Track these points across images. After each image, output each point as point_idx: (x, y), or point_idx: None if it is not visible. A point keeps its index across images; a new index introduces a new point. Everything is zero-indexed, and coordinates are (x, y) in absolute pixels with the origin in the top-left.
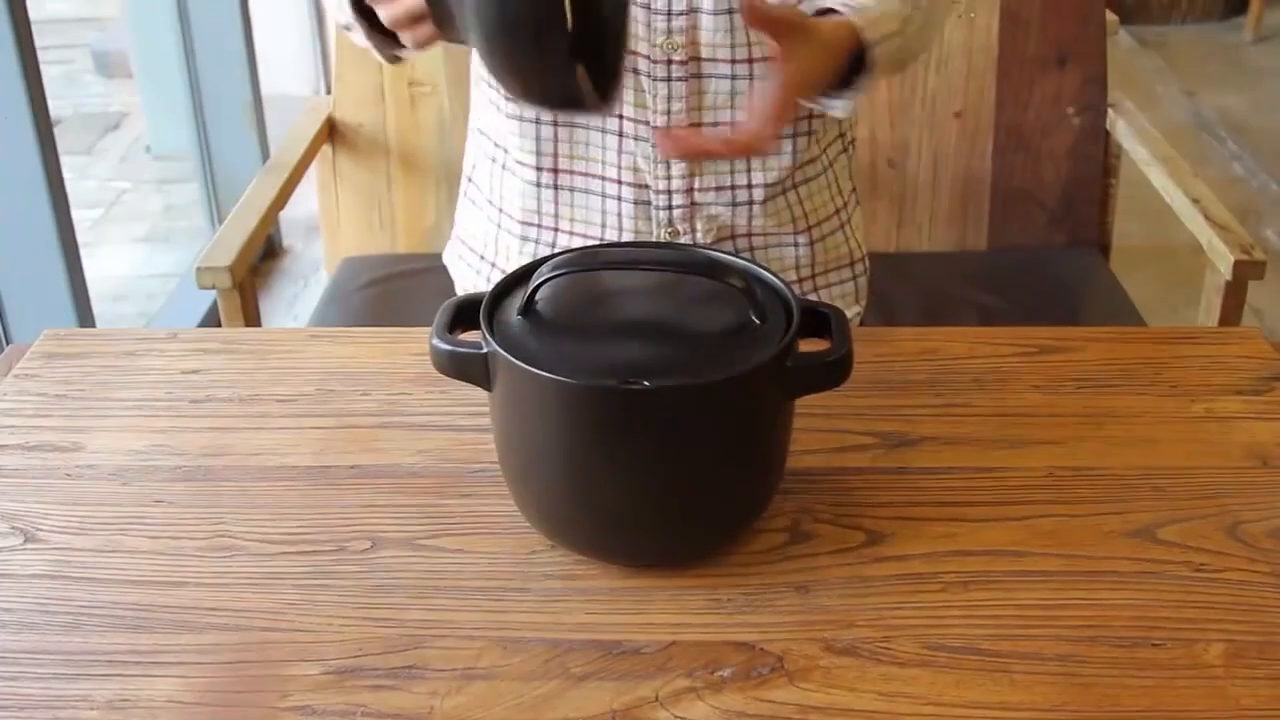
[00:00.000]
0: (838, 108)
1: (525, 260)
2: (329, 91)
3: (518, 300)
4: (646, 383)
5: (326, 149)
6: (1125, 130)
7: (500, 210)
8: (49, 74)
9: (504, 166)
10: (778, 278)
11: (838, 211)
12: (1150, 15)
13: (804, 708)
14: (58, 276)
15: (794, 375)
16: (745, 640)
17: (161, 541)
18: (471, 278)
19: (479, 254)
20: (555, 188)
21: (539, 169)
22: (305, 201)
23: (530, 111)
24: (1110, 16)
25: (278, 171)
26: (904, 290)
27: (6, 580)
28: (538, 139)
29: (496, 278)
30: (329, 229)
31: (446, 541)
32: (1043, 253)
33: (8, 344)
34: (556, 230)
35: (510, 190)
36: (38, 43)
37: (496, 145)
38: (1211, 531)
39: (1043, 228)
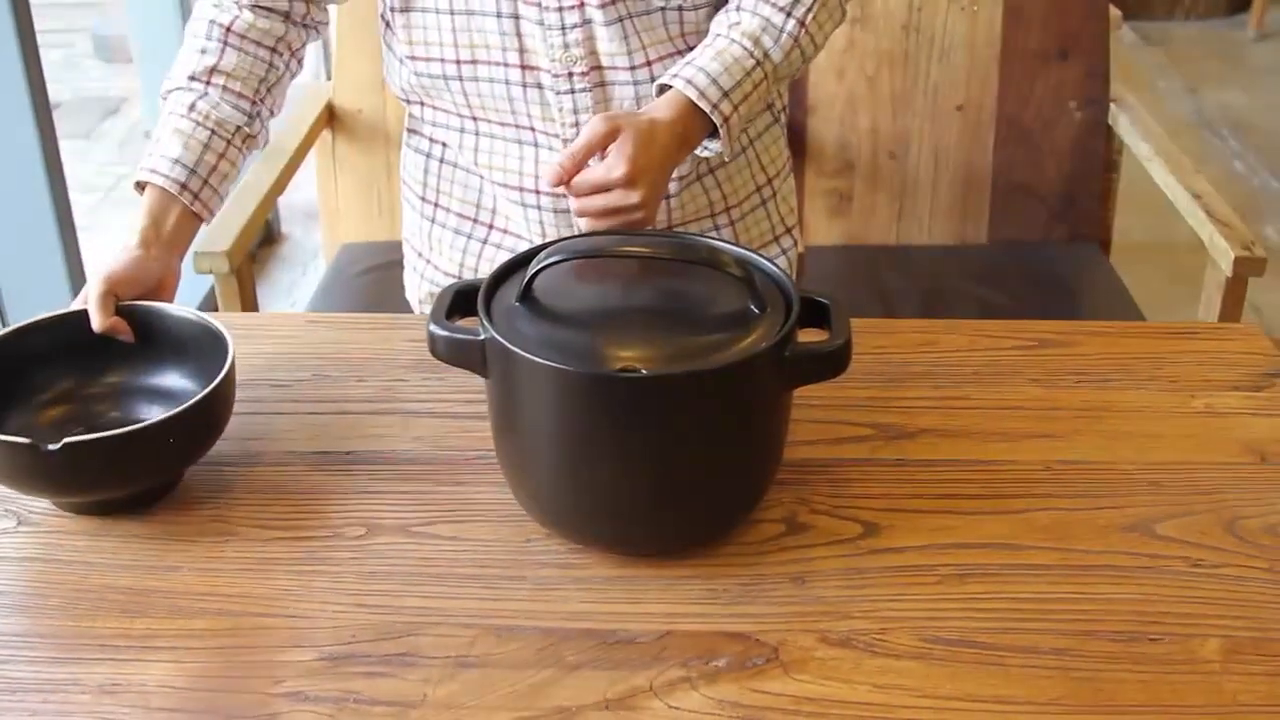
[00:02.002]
0: (711, 150)
1: (458, 256)
2: (329, 78)
3: (516, 287)
4: (644, 370)
5: (326, 135)
6: (1127, 125)
7: (436, 205)
8: (49, 57)
9: (441, 160)
10: (778, 267)
11: (759, 189)
12: (1153, 11)
13: (798, 699)
14: (55, 260)
15: (792, 365)
16: (740, 631)
17: (155, 525)
18: (409, 274)
19: (416, 251)
20: (494, 194)
21: (481, 177)
22: (306, 188)
23: (456, 120)
24: (1113, 11)
25: (276, 157)
26: (903, 283)
27: None
28: (460, 146)
29: (430, 273)
30: (328, 215)
31: (441, 529)
32: (1043, 247)
33: (4, 327)
34: (491, 227)
35: (450, 183)
36: (37, 26)
37: (432, 141)
38: (1209, 527)
39: (1043, 222)
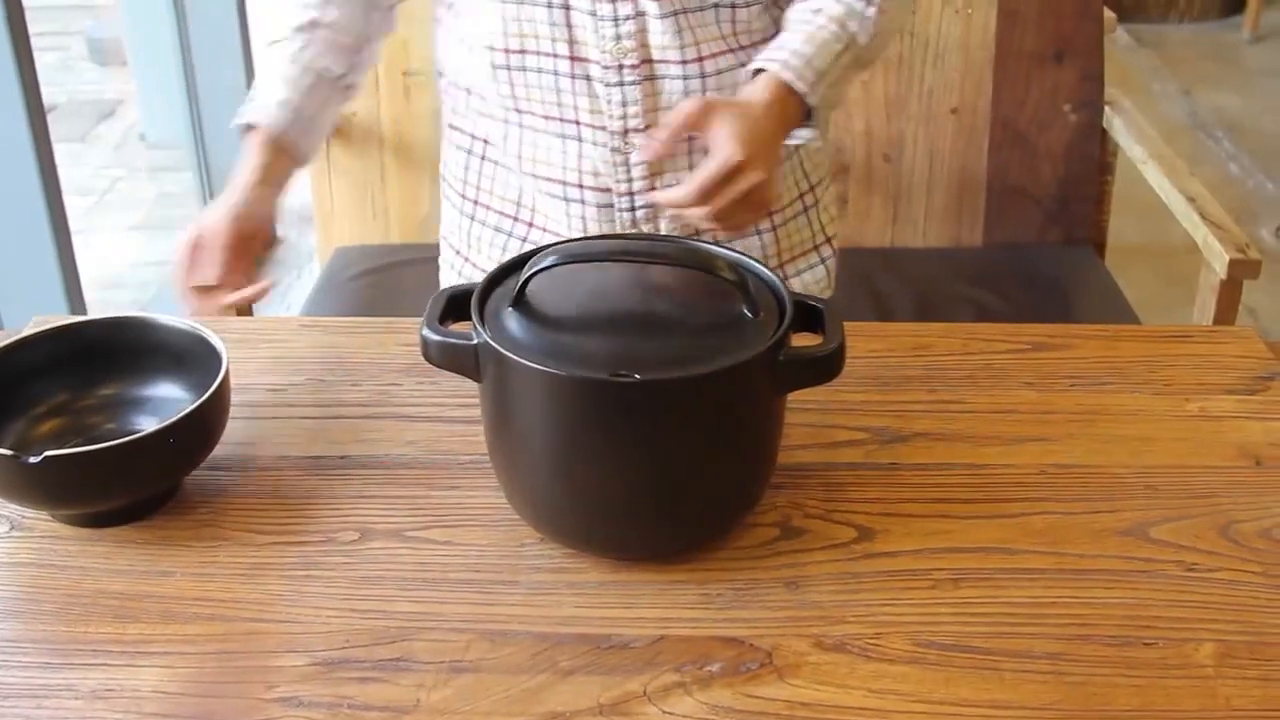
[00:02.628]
0: (802, 138)
1: (498, 254)
2: None
3: (509, 291)
4: (637, 375)
5: None
6: (1122, 128)
7: (475, 203)
8: (44, 60)
9: (482, 157)
10: (771, 271)
11: (802, 196)
12: (1148, 13)
13: (792, 704)
14: (49, 264)
15: (785, 369)
16: (734, 635)
17: (148, 530)
18: (447, 272)
19: (455, 249)
20: (537, 190)
21: (521, 171)
22: (300, 192)
23: (499, 112)
24: (1108, 14)
25: None
26: (898, 286)
27: None
28: (505, 138)
29: (469, 271)
30: (322, 219)
31: (435, 533)
32: (1038, 250)
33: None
34: (531, 225)
35: (491, 180)
36: (33, 29)
37: (473, 138)
38: (1204, 531)
39: (1038, 225)
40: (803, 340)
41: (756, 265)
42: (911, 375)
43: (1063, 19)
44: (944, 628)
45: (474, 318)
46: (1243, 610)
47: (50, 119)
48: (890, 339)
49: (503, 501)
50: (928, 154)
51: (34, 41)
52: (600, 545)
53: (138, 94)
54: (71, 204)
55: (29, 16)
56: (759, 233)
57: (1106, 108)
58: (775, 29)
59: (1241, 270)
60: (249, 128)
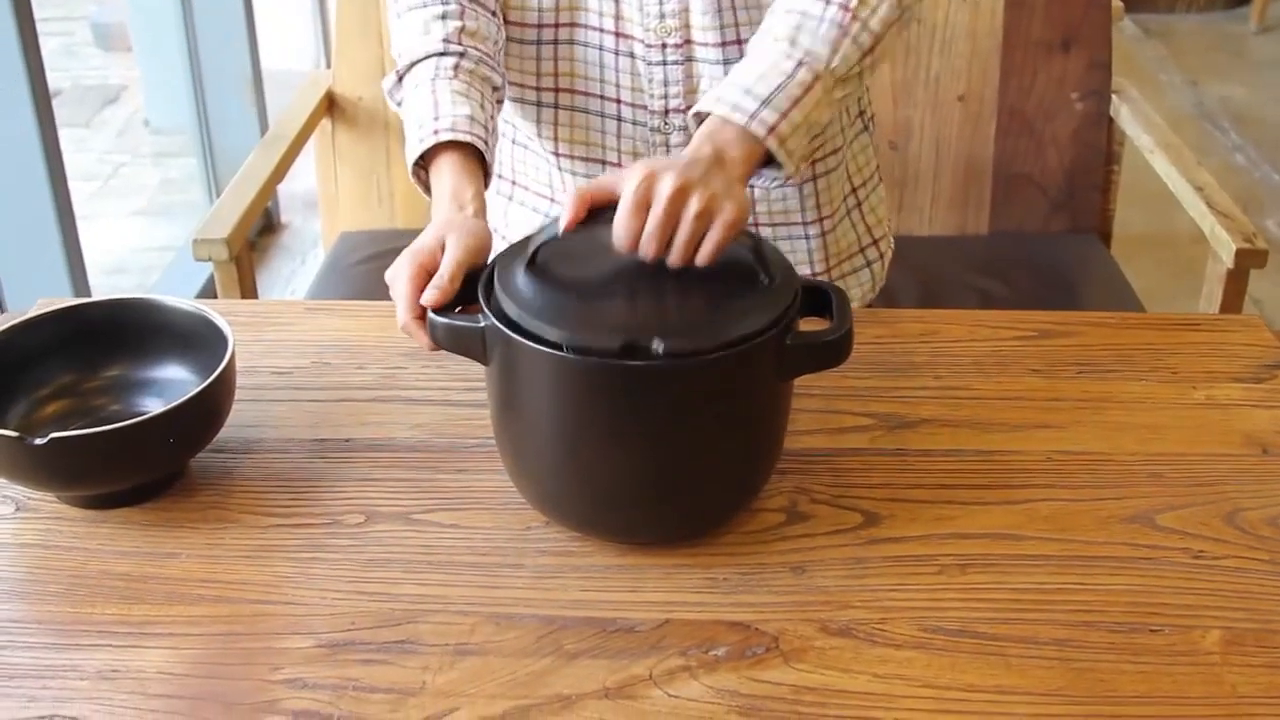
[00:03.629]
0: (770, 179)
1: None
2: (328, 66)
3: (516, 274)
4: (644, 359)
5: (325, 123)
6: (1129, 117)
7: (514, 184)
8: (48, 46)
9: (514, 141)
10: (778, 253)
11: (845, 198)
12: (1155, 4)
13: (798, 688)
14: (54, 248)
15: (792, 354)
16: (740, 620)
17: (154, 512)
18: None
19: (493, 228)
20: (573, 173)
21: (555, 153)
22: (305, 177)
23: (533, 94)
24: (1116, 3)
25: (276, 145)
26: (904, 274)
27: None
28: (538, 121)
29: None
30: (327, 203)
31: (441, 516)
32: (1044, 239)
33: (4, 316)
34: None
35: (524, 164)
36: (37, 14)
37: (506, 121)
38: (1210, 519)
39: (1044, 213)
40: (810, 325)
41: (767, 245)
42: (918, 361)
43: (1070, 7)
44: (950, 613)
45: (481, 300)
46: (1249, 598)
47: (55, 104)
48: (896, 325)
49: (509, 485)
50: (934, 141)
51: (39, 27)
52: (606, 529)
53: (142, 79)
54: (76, 189)
55: (34, 1)
56: (807, 237)
57: (1114, 96)
58: None
59: (1248, 260)
60: (436, 150)
